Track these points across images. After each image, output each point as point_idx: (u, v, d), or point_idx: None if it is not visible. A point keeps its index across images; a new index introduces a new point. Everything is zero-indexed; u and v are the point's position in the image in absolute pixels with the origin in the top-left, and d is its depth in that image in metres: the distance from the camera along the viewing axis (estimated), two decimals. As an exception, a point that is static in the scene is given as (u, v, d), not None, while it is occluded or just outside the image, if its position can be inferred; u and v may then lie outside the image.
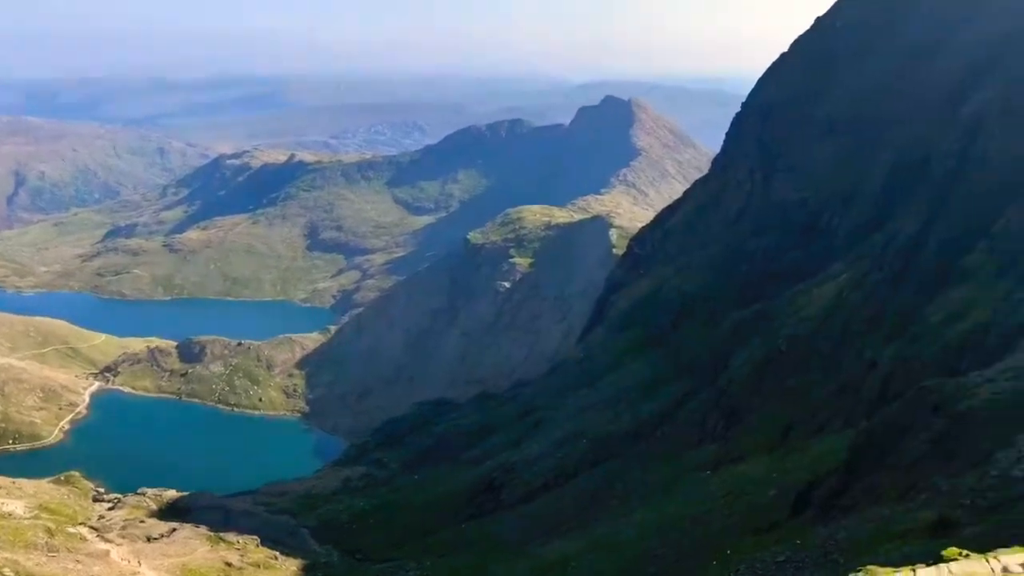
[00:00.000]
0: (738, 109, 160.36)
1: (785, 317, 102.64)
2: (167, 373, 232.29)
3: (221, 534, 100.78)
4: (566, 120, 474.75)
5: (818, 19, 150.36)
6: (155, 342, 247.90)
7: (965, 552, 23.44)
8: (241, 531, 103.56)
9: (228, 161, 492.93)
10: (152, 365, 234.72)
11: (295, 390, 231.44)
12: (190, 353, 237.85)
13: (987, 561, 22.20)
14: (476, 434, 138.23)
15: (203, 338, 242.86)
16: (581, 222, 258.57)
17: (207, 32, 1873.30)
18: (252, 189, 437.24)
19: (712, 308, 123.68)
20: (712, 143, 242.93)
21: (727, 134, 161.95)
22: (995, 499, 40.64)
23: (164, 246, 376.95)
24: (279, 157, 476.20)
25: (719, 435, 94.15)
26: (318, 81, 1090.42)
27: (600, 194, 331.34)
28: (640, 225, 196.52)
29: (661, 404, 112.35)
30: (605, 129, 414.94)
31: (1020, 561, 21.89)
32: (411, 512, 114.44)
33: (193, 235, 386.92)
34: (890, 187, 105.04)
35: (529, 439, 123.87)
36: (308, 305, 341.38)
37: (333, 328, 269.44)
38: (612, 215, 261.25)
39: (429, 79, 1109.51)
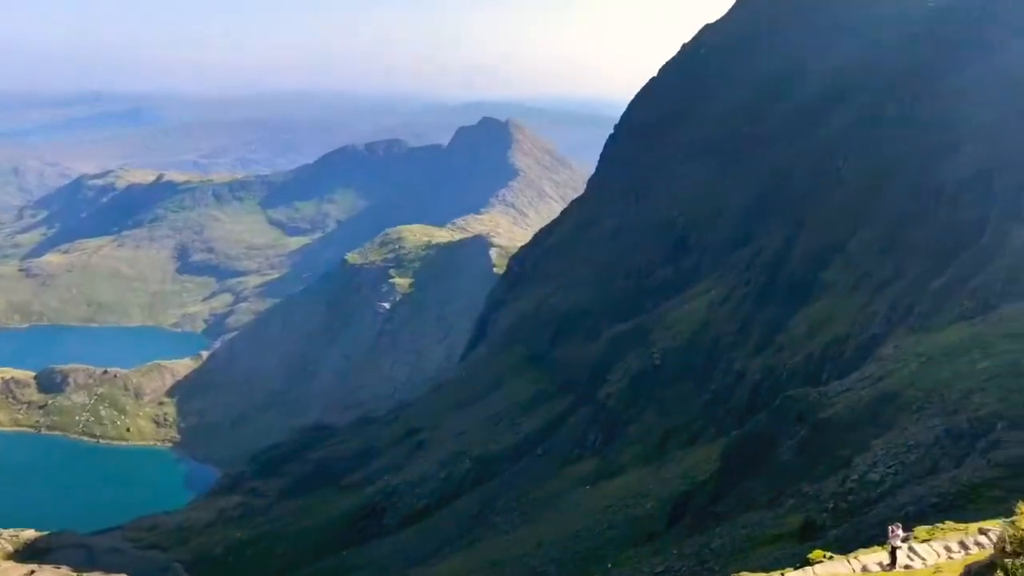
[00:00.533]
0: (612, 131, 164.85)
1: (659, 331, 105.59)
2: (24, 405, 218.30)
3: (85, 574, 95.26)
4: (444, 140, 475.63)
5: (684, 45, 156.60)
6: (10, 372, 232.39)
7: (829, 554, 24.60)
8: (107, 570, 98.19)
9: (91, 181, 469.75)
10: (7, 397, 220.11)
11: (166, 419, 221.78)
12: (50, 383, 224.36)
13: (848, 562, 23.35)
14: (357, 458, 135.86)
15: (65, 367, 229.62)
16: (461, 242, 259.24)
17: (70, 44, 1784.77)
18: (117, 210, 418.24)
19: (590, 324, 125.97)
20: (588, 164, 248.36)
21: (601, 155, 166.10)
22: (855, 502, 42.89)
23: (20, 271, 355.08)
24: (146, 177, 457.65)
25: (599, 449, 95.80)
26: (188, 98, 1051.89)
27: (480, 214, 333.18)
28: (520, 244, 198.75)
29: (542, 421, 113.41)
30: (483, 150, 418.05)
31: (878, 560, 23.10)
32: (290, 541, 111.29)
33: (53, 259, 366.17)
34: (754, 205, 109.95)
35: (411, 461, 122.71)
36: (179, 330, 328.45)
37: (205, 353, 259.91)
38: (492, 235, 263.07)
39: (304, 98, 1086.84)
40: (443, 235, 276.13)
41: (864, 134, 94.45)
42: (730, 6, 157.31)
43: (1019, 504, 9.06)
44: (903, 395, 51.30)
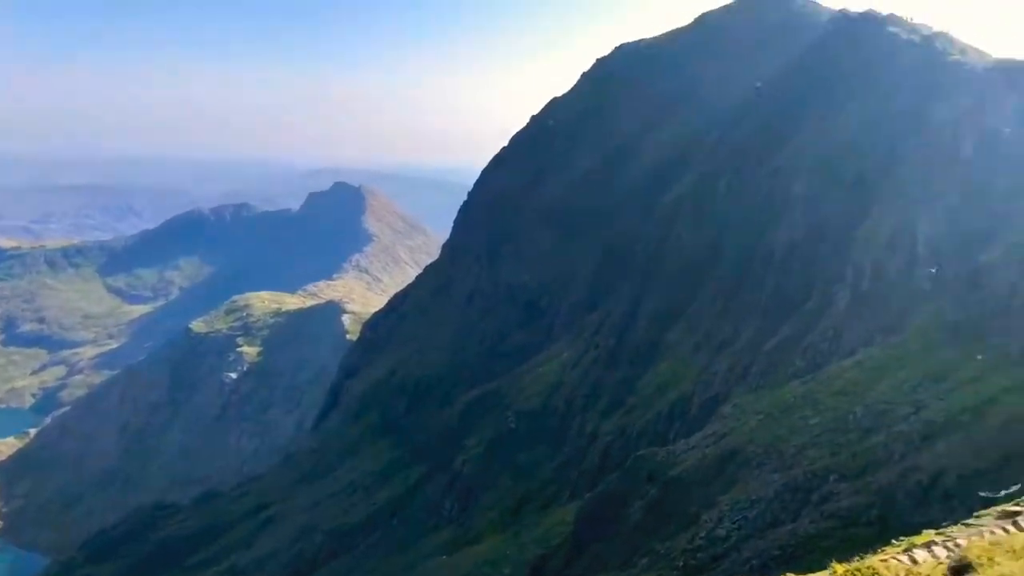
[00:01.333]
0: (465, 197, 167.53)
1: (514, 396, 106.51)
2: None
3: None
4: (295, 205, 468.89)
5: (533, 117, 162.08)
6: None
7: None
8: None
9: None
10: None
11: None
12: None
13: (696, 618, 24.05)
14: (202, 536, 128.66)
15: None
16: (313, 308, 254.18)
17: None
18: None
19: (445, 390, 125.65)
20: (442, 229, 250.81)
21: (455, 221, 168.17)
22: (703, 559, 44.19)
23: None
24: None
25: (455, 517, 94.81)
26: (18, 159, 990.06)
27: (332, 280, 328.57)
28: (374, 310, 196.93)
29: (397, 490, 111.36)
30: (336, 215, 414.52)
31: (723, 615, 23.95)
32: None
33: None
34: (602, 270, 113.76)
35: (261, 537, 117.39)
36: (3, 406, 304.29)
37: (33, 431, 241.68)
38: (345, 300, 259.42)
39: (144, 160, 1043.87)
40: (294, 302, 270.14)
41: (701, 203, 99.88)
42: (575, 81, 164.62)
43: (833, 563, 9.67)
44: (744, 451, 53.62)
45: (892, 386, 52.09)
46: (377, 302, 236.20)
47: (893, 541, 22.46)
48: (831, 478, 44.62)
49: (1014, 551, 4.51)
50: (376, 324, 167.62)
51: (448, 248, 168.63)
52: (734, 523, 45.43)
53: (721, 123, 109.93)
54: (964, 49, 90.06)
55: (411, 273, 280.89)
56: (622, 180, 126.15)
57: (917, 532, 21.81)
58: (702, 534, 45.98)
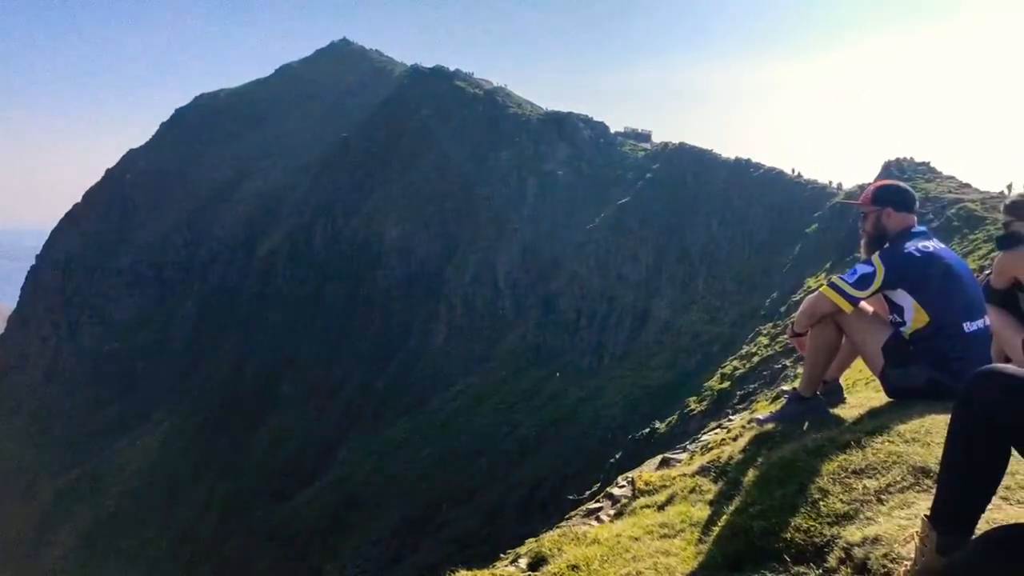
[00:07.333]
0: (33, 262, 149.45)
1: (112, 476, 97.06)
2: None
3: None
4: None
5: (108, 171, 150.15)
6: None
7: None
8: None
9: None
10: None
11: None
12: None
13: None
14: None
15: None
16: None
17: None
18: None
19: (27, 482, 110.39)
20: (8, 300, 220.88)
21: (23, 289, 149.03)
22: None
23: None
24: None
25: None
26: None
27: None
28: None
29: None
30: None
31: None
32: None
33: None
34: (201, 329, 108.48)
35: None
36: None
37: None
38: None
39: None
40: None
41: (297, 253, 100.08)
42: (153, 133, 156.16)
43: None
44: (362, 494, 54.44)
45: (491, 409, 56.47)
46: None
47: (501, 555, 24.39)
48: (444, 506, 47.05)
49: (577, 539, 5.30)
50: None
51: (16, 320, 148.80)
52: (357, 567, 45.91)
53: (310, 173, 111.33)
54: (520, 102, 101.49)
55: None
56: (212, 234, 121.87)
57: (522, 543, 23.98)
58: (328, 586, 45.83)
